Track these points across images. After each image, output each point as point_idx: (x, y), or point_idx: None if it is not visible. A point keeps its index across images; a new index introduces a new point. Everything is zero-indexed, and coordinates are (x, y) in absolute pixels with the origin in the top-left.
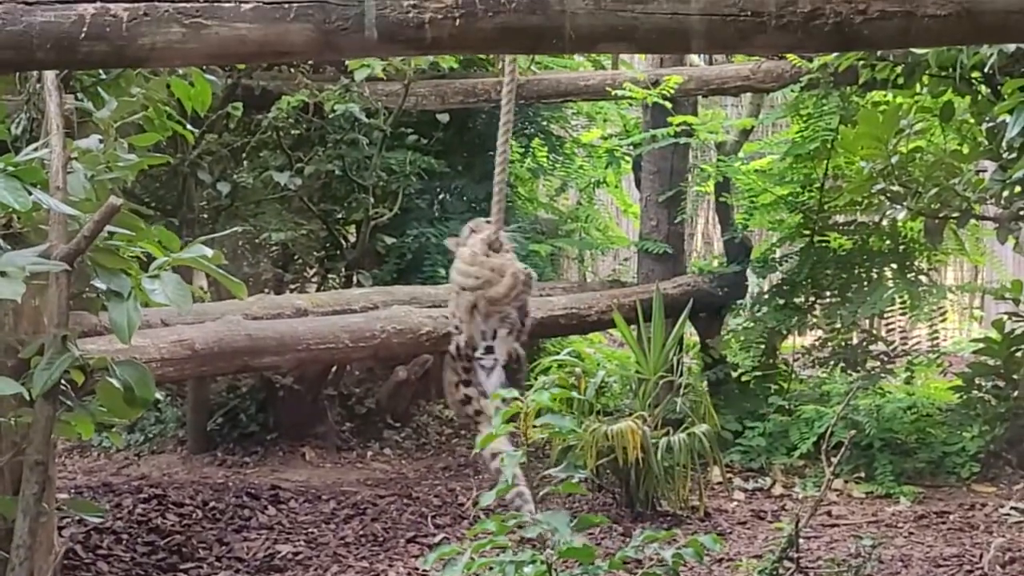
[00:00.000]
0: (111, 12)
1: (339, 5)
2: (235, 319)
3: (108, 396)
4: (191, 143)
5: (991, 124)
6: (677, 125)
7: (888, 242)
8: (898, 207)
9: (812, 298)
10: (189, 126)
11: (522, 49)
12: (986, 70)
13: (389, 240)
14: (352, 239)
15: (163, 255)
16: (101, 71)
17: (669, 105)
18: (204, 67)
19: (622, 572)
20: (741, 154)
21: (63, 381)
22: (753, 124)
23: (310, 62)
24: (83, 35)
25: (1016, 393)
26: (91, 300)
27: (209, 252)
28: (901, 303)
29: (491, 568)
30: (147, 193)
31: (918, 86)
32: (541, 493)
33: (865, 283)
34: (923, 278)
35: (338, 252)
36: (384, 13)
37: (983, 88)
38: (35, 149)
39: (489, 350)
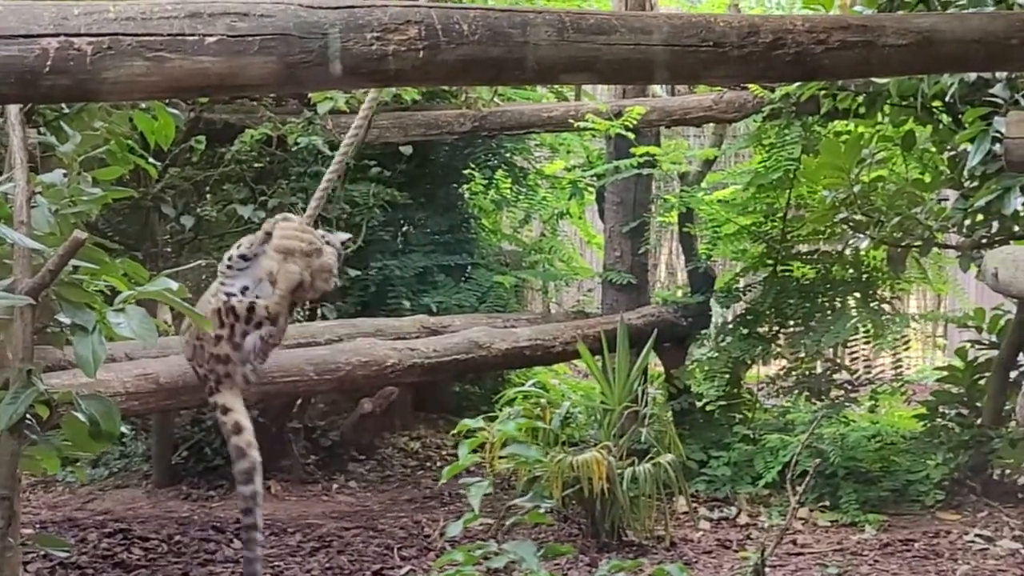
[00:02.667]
0: (75, 46)
1: (302, 38)
2: None
3: (73, 430)
4: (154, 177)
5: (952, 153)
6: (640, 156)
7: (851, 271)
8: (861, 236)
9: (776, 327)
10: (152, 160)
11: (485, 80)
12: (947, 99)
13: (353, 272)
14: None
15: (128, 288)
16: (64, 105)
17: (632, 136)
18: (167, 101)
19: None
20: (704, 184)
21: (28, 415)
22: (716, 154)
23: (273, 95)
24: (47, 69)
25: (980, 420)
26: (56, 334)
27: (174, 285)
28: (865, 332)
29: None
30: (110, 227)
31: (880, 115)
32: (508, 523)
33: (829, 312)
34: (886, 307)
35: None
36: (347, 46)
37: (944, 117)
38: None
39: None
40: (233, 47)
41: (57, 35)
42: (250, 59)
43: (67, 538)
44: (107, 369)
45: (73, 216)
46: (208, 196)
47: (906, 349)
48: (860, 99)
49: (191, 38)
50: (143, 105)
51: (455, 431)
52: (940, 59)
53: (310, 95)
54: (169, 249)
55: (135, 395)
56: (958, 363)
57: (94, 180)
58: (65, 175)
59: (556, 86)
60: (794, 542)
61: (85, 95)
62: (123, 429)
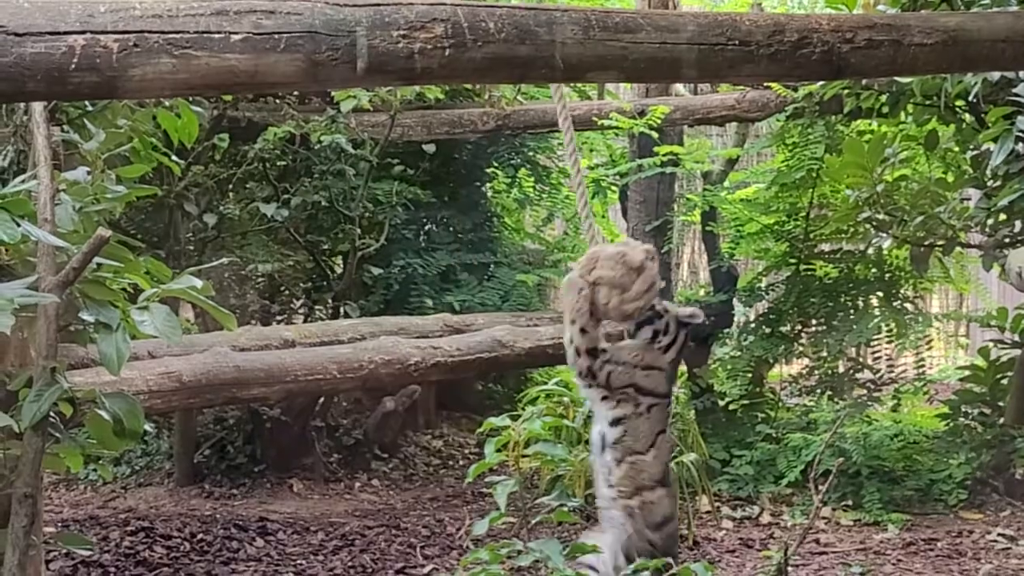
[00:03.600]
0: (101, 43)
1: (329, 35)
2: (223, 351)
3: (97, 428)
4: (177, 175)
5: (975, 152)
6: (663, 155)
7: (874, 270)
8: (883, 235)
9: (798, 326)
10: (175, 157)
11: (511, 78)
12: (970, 98)
13: (376, 271)
14: (339, 270)
15: (151, 286)
16: (88, 103)
17: (655, 135)
18: (190, 99)
19: None
20: (727, 183)
21: (52, 413)
22: (739, 153)
23: (296, 93)
24: (73, 66)
25: (1002, 420)
26: (79, 332)
27: (198, 283)
28: (887, 331)
29: None
30: (133, 225)
31: (903, 115)
32: (533, 522)
33: (851, 311)
34: (909, 306)
35: (325, 283)
36: (374, 43)
37: (967, 116)
38: (23, 181)
39: None
40: (260, 44)
41: (84, 32)
42: (277, 56)
43: (89, 536)
44: (130, 367)
45: (97, 214)
46: (231, 194)
47: (928, 348)
48: (883, 98)
49: (217, 35)
50: (167, 103)
51: (480, 430)
52: (967, 58)
53: (333, 93)
54: (192, 247)
55: (158, 393)
56: (981, 362)
57: (118, 178)
58: (89, 173)
59: (579, 85)
60: (817, 541)
61: (112, 92)
62: (146, 427)
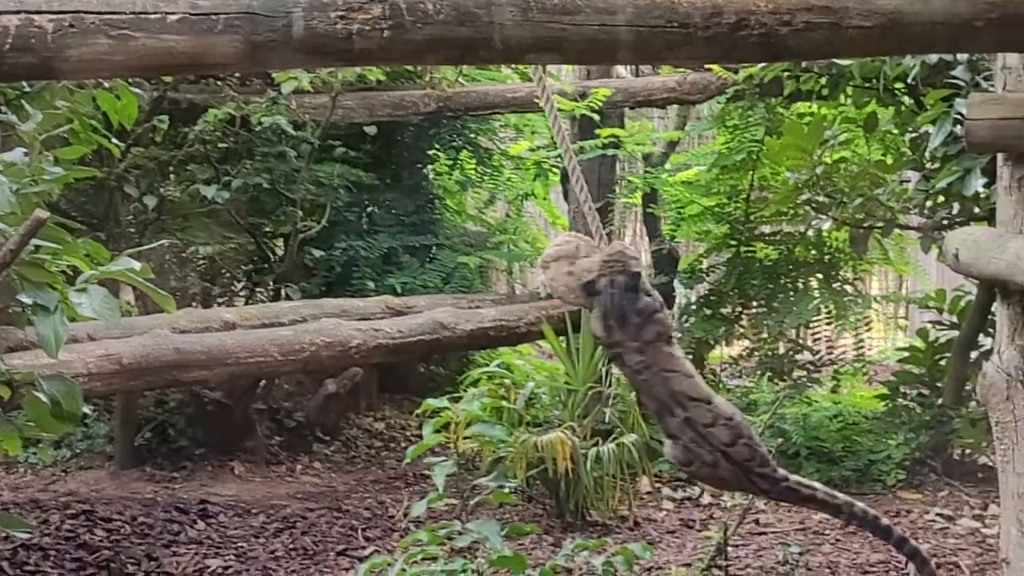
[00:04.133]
0: (36, 23)
1: (267, 16)
2: (163, 333)
3: (35, 411)
4: (117, 157)
5: (914, 134)
6: (605, 137)
7: (814, 252)
8: (823, 217)
9: (739, 308)
10: (115, 140)
11: (450, 60)
12: (909, 81)
13: (317, 253)
14: (280, 252)
15: (90, 268)
16: (25, 84)
17: (597, 117)
18: (130, 80)
19: None
20: (668, 166)
21: None
22: (679, 136)
23: (237, 75)
24: (8, 47)
25: (940, 401)
26: (17, 314)
27: (137, 265)
28: (827, 313)
29: None
30: (73, 207)
31: (842, 97)
32: (472, 503)
33: (791, 293)
34: (848, 288)
35: (266, 265)
36: (312, 25)
37: (906, 99)
38: None
39: None
40: (197, 25)
41: (18, 12)
42: (215, 38)
43: (30, 519)
44: (69, 350)
45: (35, 195)
46: (171, 176)
47: (868, 330)
48: (823, 81)
49: (154, 16)
50: (106, 84)
51: (419, 411)
52: (905, 41)
53: (274, 75)
54: (132, 230)
55: (98, 376)
56: (919, 344)
57: (56, 159)
58: (26, 154)
59: (521, 67)
60: (757, 522)
61: (49, 73)
62: (86, 410)
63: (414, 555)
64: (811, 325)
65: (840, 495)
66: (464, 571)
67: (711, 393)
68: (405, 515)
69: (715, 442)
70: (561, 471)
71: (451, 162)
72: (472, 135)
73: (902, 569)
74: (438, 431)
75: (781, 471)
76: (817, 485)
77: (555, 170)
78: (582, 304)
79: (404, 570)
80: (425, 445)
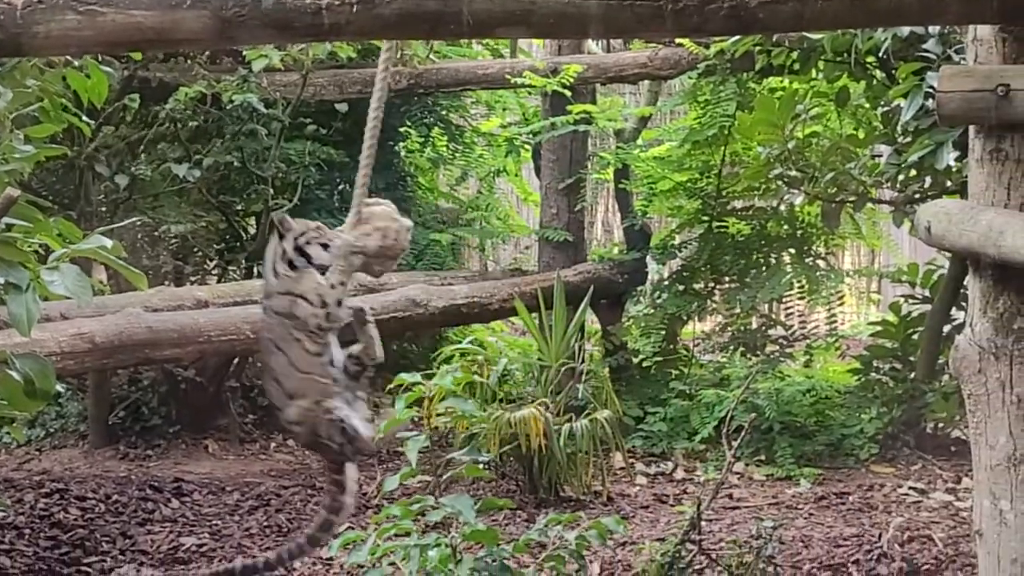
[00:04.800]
0: (4, 0)
1: None
2: (135, 312)
3: (8, 389)
4: (88, 136)
5: (886, 108)
6: (576, 113)
7: (786, 227)
8: (795, 192)
9: (711, 284)
10: (85, 118)
11: (420, 34)
12: (880, 55)
13: None
14: (252, 230)
15: (61, 247)
16: None
17: (568, 93)
18: (100, 58)
19: (526, 555)
20: (640, 141)
21: None
22: (651, 111)
23: (207, 52)
24: None
25: (913, 375)
26: None
27: (108, 243)
28: (799, 287)
29: (395, 552)
30: (44, 186)
31: (814, 72)
32: (445, 478)
33: (764, 268)
34: (821, 262)
35: (238, 244)
36: (281, 0)
37: (878, 73)
38: None
39: None
40: (166, 1)
41: None
42: (183, 13)
43: (3, 498)
44: (42, 328)
45: (5, 174)
46: (142, 155)
47: (840, 304)
48: (794, 55)
49: None
50: (76, 63)
51: (391, 386)
52: (875, 13)
53: (244, 52)
54: (103, 209)
55: (70, 354)
56: (892, 318)
57: (26, 138)
58: None
59: (492, 43)
60: (730, 496)
61: (18, 50)
62: (59, 389)
63: (387, 530)
64: (784, 300)
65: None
66: (438, 545)
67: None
68: (378, 490)
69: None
70: (534, 447)
71: (422, 139)
72: (443, 112)
73: (875, 542)
74: (410, 406)
75: None
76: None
77: (527, 147)
78: None
79: (377, 545)
80: (397, 420)
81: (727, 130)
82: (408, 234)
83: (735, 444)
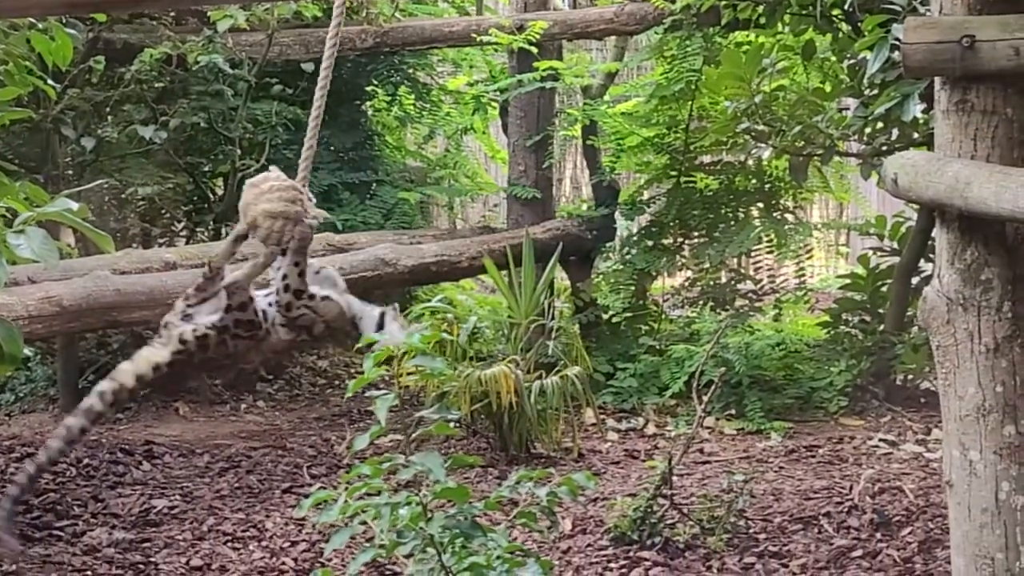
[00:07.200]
0: None
1: None
2: (103, 274)
3: None
4: (53, 98)
5: (852, 61)
6: (543, 70)
7: (754, 181)
8: (763, 146)
9: (680, 239)
10: (51, 81)
11: None
12: (846, 7)
13: None
14: (220, 192)
15: (28, 210)
16: None
17: (535, 50)
18: (64, 20)
19: (498, 512)
20: (607, 97)
21: None
22: (618, 67)
23: (171, 13)
24: None
25: (882, 327)
26: None
27: (75, 206)
28: (768, 242)
29: (366, 511)
30: (9, 150)
31: (780, 25)
32: (415, 435)
33: (732, 223)
34: (789, 216)
35: (206, 205)
36: None
37: (844, 25)
38: None
39: None
40: None
41: None
42: None
43: None
44: (9, 293)
45: None
46: (109, 117)
47: (809, 258)
48: (760, 9)
49: None
50: (40, 25)
51: (359, 345)
52: None
53: (209, 13)
54: (70, 171)
55: (38, 318)
56: (860, 271)
57: None
58: None
59: (458, 0)
60: (701, 451)
61: None
62: (27, 353)
63: (357, 488)
64: (752, 254)
65: None
66: (408, 503)
67: None
68: (348, 449)
69: None
70: (505, 404)
71: (389, 98)
72: (410, 70)
73: (846, 495)
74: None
75: None
76: None
77: (494, 104)
78: None
79: (348, 504)
80: (366, 378)
81: (694, 85)
82: (266, 188)
83: (705, 399)
